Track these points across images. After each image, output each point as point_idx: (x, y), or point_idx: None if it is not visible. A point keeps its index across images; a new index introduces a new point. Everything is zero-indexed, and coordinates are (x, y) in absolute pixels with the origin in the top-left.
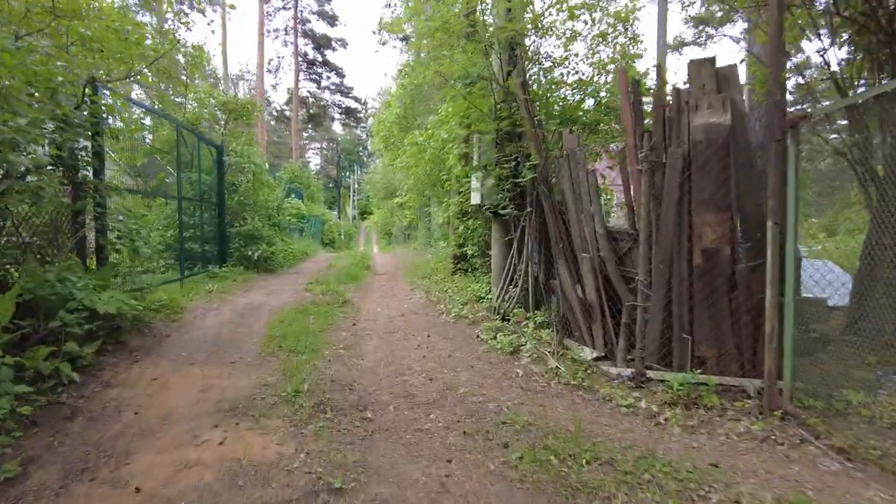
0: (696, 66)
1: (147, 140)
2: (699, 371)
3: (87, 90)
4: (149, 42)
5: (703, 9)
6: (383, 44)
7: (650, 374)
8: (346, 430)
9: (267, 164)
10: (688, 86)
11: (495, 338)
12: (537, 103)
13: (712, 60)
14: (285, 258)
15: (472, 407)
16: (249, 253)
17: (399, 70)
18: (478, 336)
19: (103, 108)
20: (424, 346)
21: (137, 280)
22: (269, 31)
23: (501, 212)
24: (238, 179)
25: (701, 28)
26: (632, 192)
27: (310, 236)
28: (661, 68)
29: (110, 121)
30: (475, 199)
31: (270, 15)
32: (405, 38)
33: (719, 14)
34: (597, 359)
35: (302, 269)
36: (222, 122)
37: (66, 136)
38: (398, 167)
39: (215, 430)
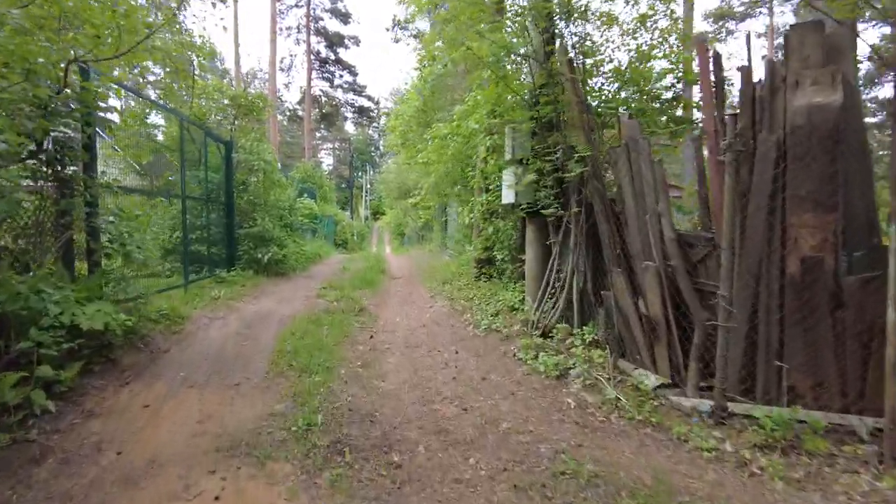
0: (798, 35)
1: (158, 137)
2: (797, 405)
3: (71, 72)
4: (149, 20)
5: (723, 2)
6: (396, 41)
7: (733, 407)
8: (370, 480)
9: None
10: (783, 60)
11: (536, 357)
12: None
13: (820, 26)
14: (297, 261)
15: (519, 449)
16: (259, 256)
17: (419, 59)
18: (514, 355)
19: (95, 94)
20: (453, 364)
21: (131, 289)
22: (281, 30)
23: (543, 212)
24: (248, 178)
25: (721, 23)
26: (710, 189)
27: (322, 237)
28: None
29: (112, 113)
30: (507, 197)
31: (283, 13)
32: (418, 36)
33: (740, 8)
34: (662, 386)
35: (315, 273)
36: (231, 118)
37: (42, 125)
38: (418, 163)
39: (212, 478)
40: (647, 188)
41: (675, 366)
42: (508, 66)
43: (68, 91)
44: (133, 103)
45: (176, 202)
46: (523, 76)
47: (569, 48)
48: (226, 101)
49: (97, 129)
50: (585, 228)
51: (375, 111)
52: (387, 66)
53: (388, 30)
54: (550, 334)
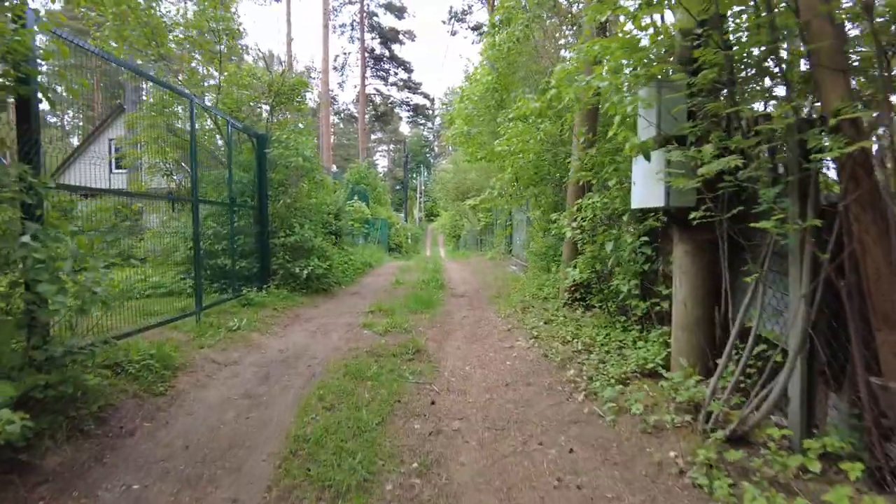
0: None
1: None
2: None
3: None
4: None
5: None
6: (453, 34)
7: None
8: None
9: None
10: None
11: (731, 491)
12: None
13: None
14: (345, 273)
15: None
16: (297, 270)
17: (490, 23)
18: (682, 474)
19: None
20: (570, 479)
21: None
22: (334, 28)
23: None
24: (286, 178)
25: None
26: None
27: (375, 242)
28: None
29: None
30: (645, 197)
31: (336, 10)
32: (477, 28)
33: None
34: None
35: (364, 287)
36: (268, 108)
37: None
38: (486, 158)
39: None
40: None
41: None
42: None
43: None
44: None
45: (206, 207)
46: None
47: None
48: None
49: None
50: (832, 255)
51: (430, 109)
52: (443, 61)
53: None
54: (748, 437)
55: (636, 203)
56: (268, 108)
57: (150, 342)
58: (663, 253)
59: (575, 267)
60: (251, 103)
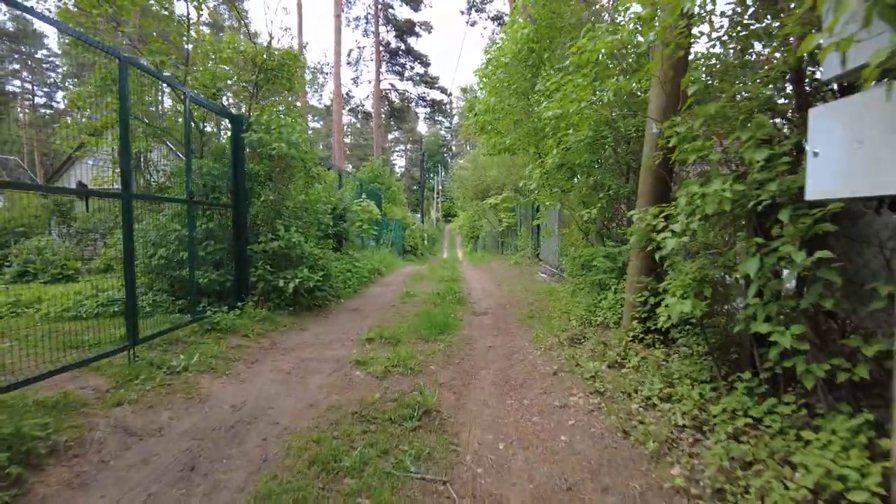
0: None
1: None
2: None
3: None
4: None
5: None
6: (472, 24)
7: None
8: None
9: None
10: None
11: None
12: None
13: None
14: (346, 284)
15: None
16: (280, 283)
17: None
18: None
19: None
20: None
21: None
22: (348, 20)
23: None
24: (271, 170)
25: None
26: None
27: (388, 244)
28: None
29: None
30: (850, 174)
31: (350, 1)
32: (497, 18)
33: None
34: None
35: (367, 301)
36: (251, 87)
37: None
38: (545, 120)
39: None
40: None
41: None
42: None
43: None
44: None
45: (174, 206)
46: None
47: None
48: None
49: None
50: None
51: (448, 104)
52: (460, 53)
53: (462, 13)
54: None
55: (821, 189)
56: (252, 86)
57: (54, 395)
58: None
59: (680, 294)
60: (230, 81)
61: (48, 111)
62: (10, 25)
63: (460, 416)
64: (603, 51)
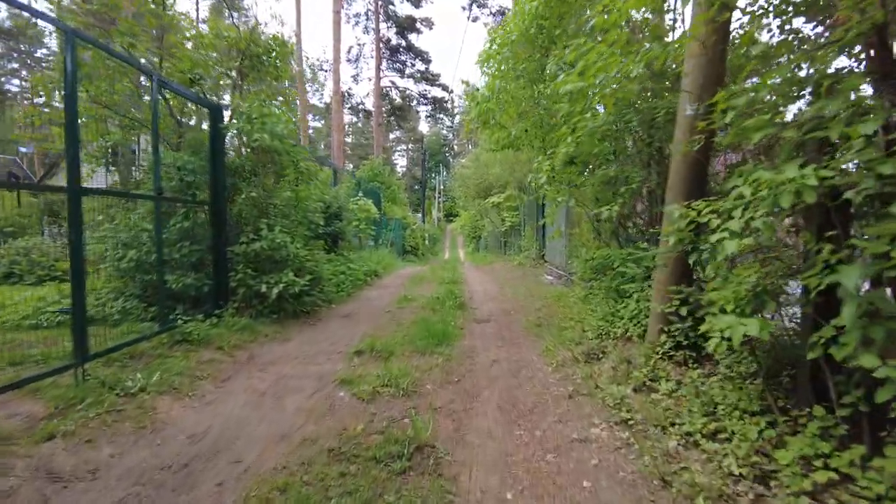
0: None
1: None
2: None
3: None
4: None
5: None
6: (474, 20)
7: None
8: None
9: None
10: None
11: None
12: None
13: None
14: (340, 287)
15: None
16: (263, 289)
17: None
18: None
19: None
20: None
21: None
22: (348, 17)
23: None
24: (255, 164)
25: None
26: None
27: (388, 244)
28: None
29: None
30: None
31: None
32: (501, 13)
33: None
34: None
35: (361, 305)
36: (235, 76)
37: None
38: (559, 101)
39: None
40: None
41: None
42: None
43: None
44: None
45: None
46: None
47: None
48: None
49: None
50: None
51: (449, 102)
52: (461, 48)
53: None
54: None
55: None
56: (236, 74)
57: None
58: None
59: (732, 308)
60: (212, 68)
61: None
62: None
63: (459, 452)
64: (633, 11)
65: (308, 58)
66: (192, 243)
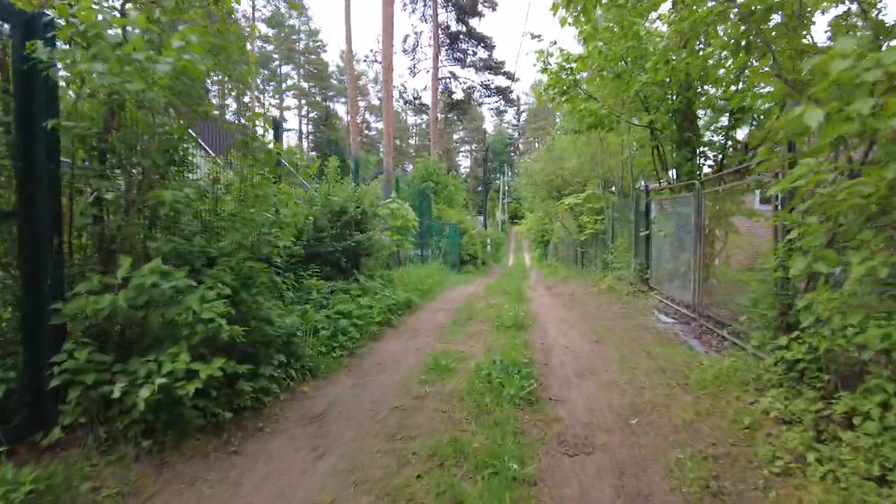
0: None
1: None
2: None
3: None
4: None
5: None
6: None
7: None
8: None
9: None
10: None
11: None
12: None
13: None
14: (332, 346)
15: None
16: (115, 392)
17: None
18: None
19: None
20: None
21: None
22: (404, 4)
23: None
24: (126, 134)
25: None
26: None
27: (440, 255)
28: None
29: None
30: None
31: None
32: None
33: None
34: None
35: (355, 384)
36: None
37: None
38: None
39: None
40: None
41: None
42: None
43: None
44: None
45: None
46: None
47: None
48: None
49: None
50: None
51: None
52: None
53: None
54: None
55: None
56: None
57: None
58: None
59: None
60: None
61: None
62: None
63: None
64: None
65: (356, 55)
66: None
